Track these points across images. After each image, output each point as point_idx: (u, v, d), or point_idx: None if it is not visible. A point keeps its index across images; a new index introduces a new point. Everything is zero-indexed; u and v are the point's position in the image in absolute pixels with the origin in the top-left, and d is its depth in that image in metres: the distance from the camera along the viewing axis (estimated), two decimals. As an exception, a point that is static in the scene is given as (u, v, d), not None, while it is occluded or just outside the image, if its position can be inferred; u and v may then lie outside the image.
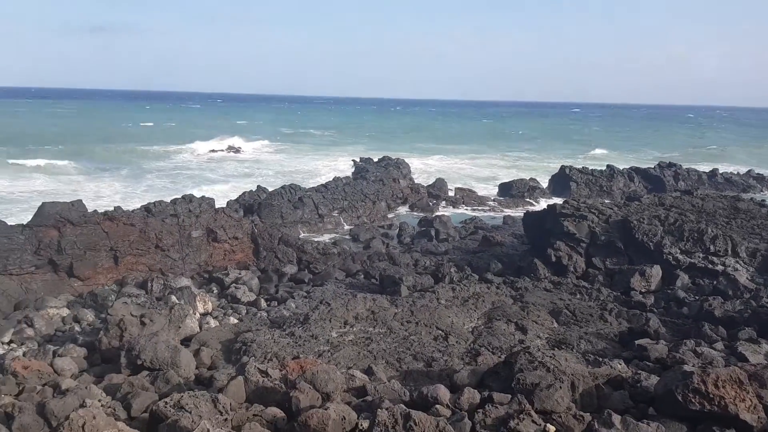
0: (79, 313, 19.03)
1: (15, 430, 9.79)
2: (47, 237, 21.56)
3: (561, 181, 48.57)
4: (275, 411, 10.04)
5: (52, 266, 21.56)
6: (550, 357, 10.88)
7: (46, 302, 19.50)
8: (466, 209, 42.58)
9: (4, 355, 15.42)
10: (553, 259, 23.27)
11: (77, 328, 18.14)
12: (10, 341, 16.88)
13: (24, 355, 15.33)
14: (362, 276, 24.28)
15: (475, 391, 10.30)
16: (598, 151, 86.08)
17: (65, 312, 19.13)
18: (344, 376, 11.79)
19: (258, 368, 11.75)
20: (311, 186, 40.67)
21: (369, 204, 38.82)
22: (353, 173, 52.84)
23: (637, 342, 15.24)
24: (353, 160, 60.00)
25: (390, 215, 39.70)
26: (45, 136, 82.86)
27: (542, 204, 40.01)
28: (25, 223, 22.39)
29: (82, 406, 9.61)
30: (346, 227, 35.44)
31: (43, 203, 22.95)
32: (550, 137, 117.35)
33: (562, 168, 49.49)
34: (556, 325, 17.68)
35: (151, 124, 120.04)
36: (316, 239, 30.32)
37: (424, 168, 62.72)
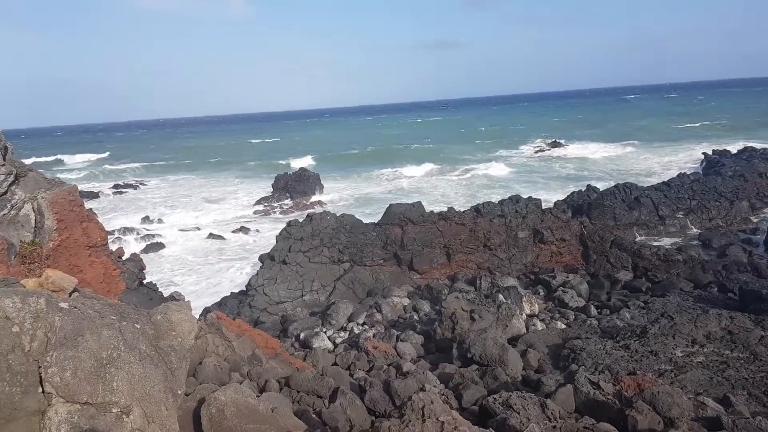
0: (417, 303, 20.86)
1: (366, 402, 10.97)
2: (393, 234, 24.36)
3: None
4: (608, 428, 9.08)
5: (396, 260, 24.25)
6: None
7: (391, 291, 21.96)
8: None
9: (359, 335, 17.81)
10: None
11: (416, 316, 19.86)
12: (364, 323, 19.47)
13: (374, 336, 17.43)
14: (715, 288, 20.72)
15: None
16: None
17: (406, 301, 21.20)
18: (692, 402, 10.03)
19: (589, 379, 10.89)
20: (650, 184, 36.80)
21: (725, 204, 33.13)
22: (703, 168, 46.23)
23: None
24: (703, 154, 52.54)
25: (754, 218, 33.15)
26: (402, 148, 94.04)
27: None
28: (376, 221, 25.76)
29: (422, 389, 10.21)
30: (694, 231, 30.97)
31: (390, 204, 26.08)
32: None
33: None
34: None
35: (483, 128, 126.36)
36: (655, 244, 27.21)
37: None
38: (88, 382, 4.43)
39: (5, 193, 7.76)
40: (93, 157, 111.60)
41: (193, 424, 6.64)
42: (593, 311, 19.48)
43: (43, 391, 4.35)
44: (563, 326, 17.76)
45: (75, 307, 4.83)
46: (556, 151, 75.10)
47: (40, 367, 4.38)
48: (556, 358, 14.72)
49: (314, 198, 52.62)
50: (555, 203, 32.32)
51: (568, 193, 34.83)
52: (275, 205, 50.55)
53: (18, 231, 7.67)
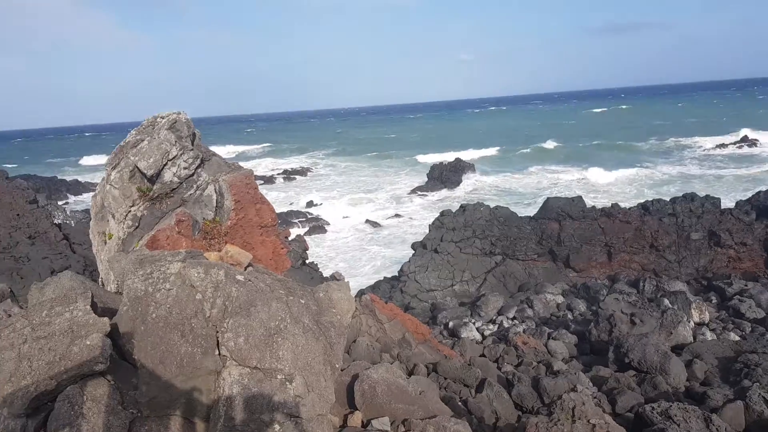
0: (572, 302, 19.98)
1: (513, 396, 10.85)
2: (549, 229, 23.51)
3: None
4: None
5: (551, 255, 23.40)
6: None
7: (544, 288, 21.26)
8: None
9: (508, 329, 17.56)
10: None
11: (569, 315, 19.05)
12: (514, 317, 19.13)
13: (524, 331, 17.06)
14: None
15: None
16: None
17: (560, 299, 20.40)
18: None
19: (764, 397, 9.80)
20: None
21: None
22: None
23: None
24: None
25: None
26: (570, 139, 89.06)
27: None
28: (532, 215, 25.04)
29: (573, 390, 9.87)
30: None
31: (547, 198, 25.18)
32: None
33: None
34: None
35: (660, 122, 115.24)
36: None
37: None
38: (258, 349, 4.93)
39: (192, 174, 8.81)
40: (266, 145, 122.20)
41: (347, 397, 7.10)
42: (776, 325, 17.20)
43: (219, 354, 4.90)
44: (737, 338, 15.95)
45: (249, 280, 5.40)
46: (745, 149, 66.57)
47: (217, 331, 4.95)
48: (726, 372, 13.28)
49: (468, 188, 52.50)
50: (736, 203, 28.92)
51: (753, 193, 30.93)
52: (429, 194, 51.28)
53: (202, 209, 8.68)
